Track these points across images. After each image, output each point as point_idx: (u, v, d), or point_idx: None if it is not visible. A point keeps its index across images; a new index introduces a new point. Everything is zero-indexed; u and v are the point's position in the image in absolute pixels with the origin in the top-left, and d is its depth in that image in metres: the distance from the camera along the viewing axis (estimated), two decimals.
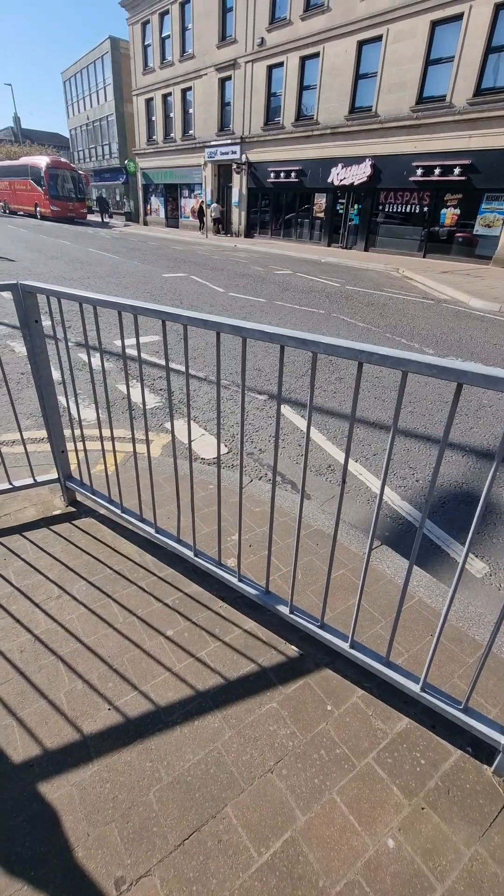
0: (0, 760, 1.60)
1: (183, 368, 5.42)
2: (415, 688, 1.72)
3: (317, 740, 1.69)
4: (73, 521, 2.75)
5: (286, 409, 4.39)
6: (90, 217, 37.42)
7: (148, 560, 2.47)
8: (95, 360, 5.63)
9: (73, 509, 2.85)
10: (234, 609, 2.10)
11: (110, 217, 35.32)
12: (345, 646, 1.85)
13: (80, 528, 2.71)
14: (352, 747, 1.68)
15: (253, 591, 2.02)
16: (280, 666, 1.90)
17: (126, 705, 1.80)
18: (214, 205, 25.87)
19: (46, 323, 6.68)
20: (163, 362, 5.55)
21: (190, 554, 2.24)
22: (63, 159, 34.21)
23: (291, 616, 1.94)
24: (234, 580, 2.05)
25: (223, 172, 26.66)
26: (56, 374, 5.03)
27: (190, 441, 2.03)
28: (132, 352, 5.95)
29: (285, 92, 20.82)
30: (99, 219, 37.16)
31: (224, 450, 3.63)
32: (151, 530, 2.39)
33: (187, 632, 2.01)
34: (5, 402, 4.57)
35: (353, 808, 1.53)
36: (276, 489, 2.22)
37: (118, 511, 2.53)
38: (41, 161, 31.39)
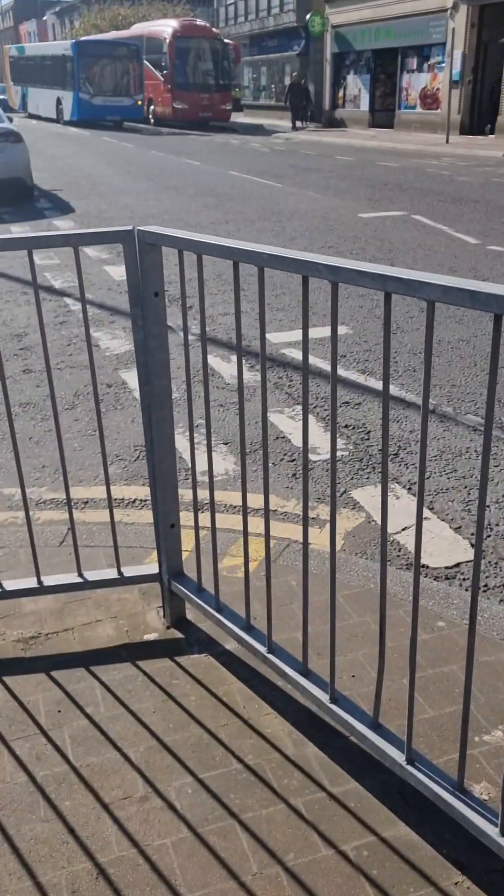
0: None
1: (393, 390, 5.34)
2: None
3: None
4: (178, 658, 2.62)
5: None
6: (237, 118, 38.68)
7: (310, 754, 2.25)
8: (228, 367, 5.78)
9: (178, 634, 2.70)
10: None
11: (307, 120, 35.29)
12: None
13: (188, 673, 2.56)
14: None
15: None
16: None
17: None
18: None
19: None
20: (358, 378, 5.56)
21: (398, 757, 1.97)
22: (200, 22, 36.95)
23: None
24: (497, 835, 1.71)
25: (489, 20, 25.97)
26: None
27: (419, 534, 1.75)
28: (297, 355, 6.01)
29: None
30: (250, 121, 38.23)
31: (470, 554, 3.38)
32: (322, 695, 2.18)
33: None
34: (82, 426, 4.87)
35: None
36: None
37: (262, 650, 2.34)
38: (163, 29, 34.26)
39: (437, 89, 28.50)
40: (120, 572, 2.74)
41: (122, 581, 2.74)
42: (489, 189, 14.77)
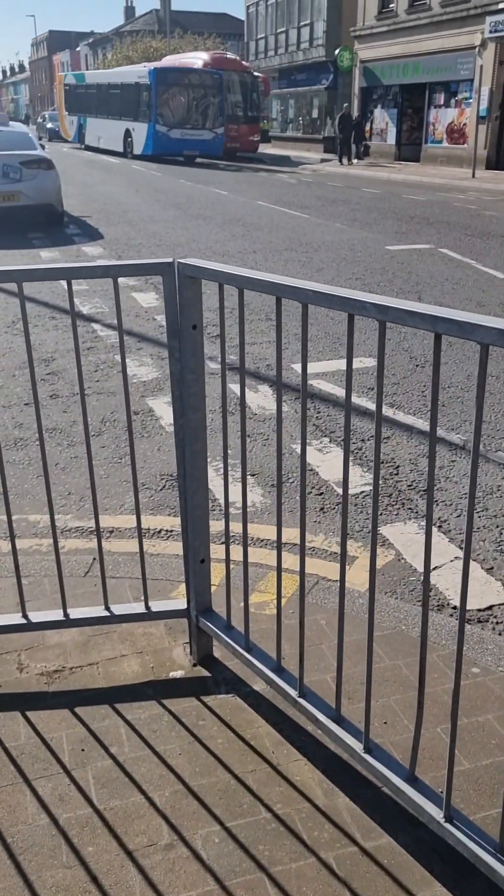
0: None
1: (422, 424, 5.28)
2: None
3: None
4: (204, 698, 2.55)
5: None
6: (265, 149, 37.64)
7: (341, 805, 2.17)
8: (255, 397, 5.75)
9: (205, 672, 2.63)
10: None
11: (362, 155, 32.82)
12: None
13: (215, 714, 2.49)
14: None
15: None
16: None
17: None
18: None
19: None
20: (386, 411, 5.49)
21: (436, 814, 1.89)
22: (230, 55, 37.25)
23: None
24: None
25: None
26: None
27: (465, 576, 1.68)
28: (325, 386, 5.97)
29: None
30: (277, 152, 36.77)
31: (503, 597, 3.31)
32: (356, 744, 2.10)
33: None
34: (109, 454, 4.83)
35: None
36: None
37: (293, 693, 2.27)
38: (193, 62, 33.69)
39: (465, 124, 28.69)
40: (147, 607, 2.68)
41: (149, 616, 2.68)
42: None
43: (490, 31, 25.93)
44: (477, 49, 24.59)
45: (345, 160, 31.09)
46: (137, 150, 32.72)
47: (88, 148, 38.83)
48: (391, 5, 31.79)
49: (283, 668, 2.39)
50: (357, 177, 26.95)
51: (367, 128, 33.19)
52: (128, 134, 33.63)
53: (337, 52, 35.18)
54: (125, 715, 2.47)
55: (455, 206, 17.88)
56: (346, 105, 33.40)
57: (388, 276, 9.75)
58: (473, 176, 24.45)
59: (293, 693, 2.29)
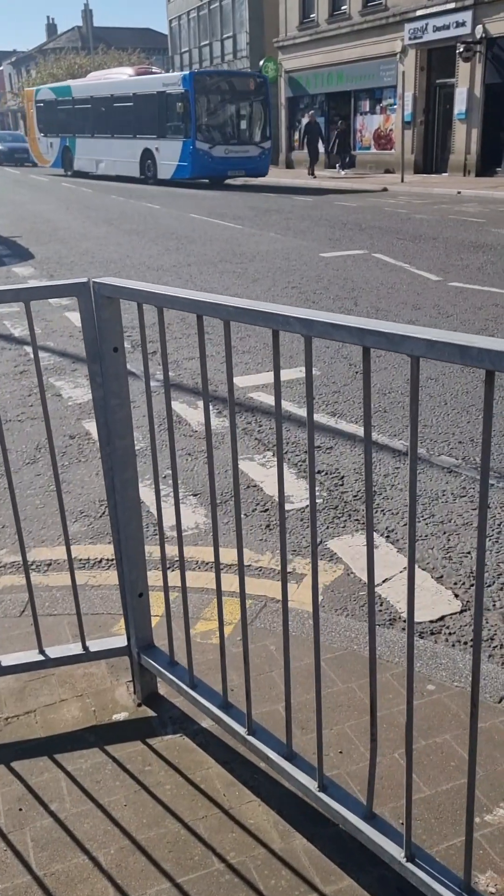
0: None
1: (383, 439, 5.21)
2: None
3: None
4: (150, 741, 2.40)
5: None
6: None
7: (298, 848, 2.03)
8: (194, 413, 5.62)
9: (150, 712, 2.48)
10: None
11: (346, 165, 29.73)
12: None
13: (162, 757, 2.34)
14: None
15: None
16: None
17: None
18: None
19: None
20: (328, 420, 5.42)
21: (397, 853, 1.77)
22: (155, 69, 36.29)
23: None
24: None
25: (436, 63, 26.37)
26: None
27: (412, 587, 1.58)
28: (265, 398, 5.87)
29: None
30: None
31: (454, 606, 3.23)
32: (310, 782, 1.97)
33: None
34: (45, 481, 4.59)
35: None
36: None
37: (241, 731, 2.13)
38: (117, 77, 30.96)
39: (391, 130, 29.09)
40: (85, 647, 2.53)
41: (87, 657, 2.53)
42: (446, 226, 14.94)
43: (410, 38, 26.44)
44: (398, 56, 24.98)
45: (320, 172, 29.41)
46: (165, 173, 27.35)
47: (78, 174, 33.80)
48: (312, 15, 32.17)
49: (230, 704, 2.26)
50: (288, 185, 27.07)
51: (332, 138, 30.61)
52: (147, 155, 28.24)
53: (261, 63, 35.48)
54: (66, 766, 2.31)
55: (386, 210, 18.05)
56: (310, 112, 31.74)
57: (323, 284, 9.72)
58: (402, 181, 24.75)
59: (242, 731, 2.16)
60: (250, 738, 2.13)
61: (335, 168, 30.54)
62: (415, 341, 1.37)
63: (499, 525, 3.85)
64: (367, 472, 1.60)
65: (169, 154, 26.76)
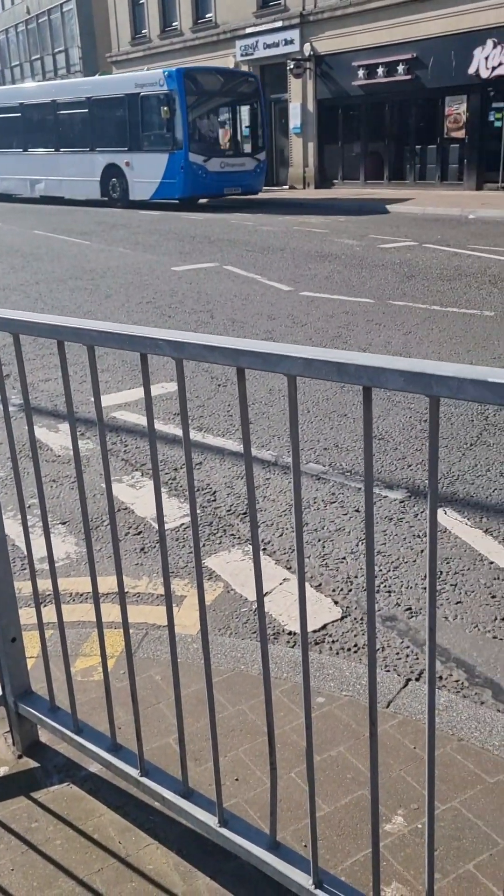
0: None
1: (233, 445, 5.18)
2: None
3: None
4: (35, 794, 2.24)
5: (454, 521, 4.03)
6: None
7: (202, 888, 1.94)
8: (58, 437, 5.42)
9: (32, 763, 2.32)
10: None
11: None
12: None
13: (49, 811, 2.18)
14: None
15: None
16: None
17: None
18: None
19: None
20: (195, 435, 5.35)
21: (305, 881, 1.73)
22: None
23: None
24: None
25: (270, 79, 27.12)
26: None
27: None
28: (129, 417, 5.74)
29: None
30: None
31: (335, 613, 3.23)
32: (209, 818, 1.89)
33: None
34: None
35: None
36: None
37: (133, 773, 2.02)
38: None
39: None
40: None
41: None
42: (292, 237, 15.29)
43: (241, 55, 26.97)
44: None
45: None
46: (141, 193, 22.55)
47: (4, 197, 28.04)
48: (143, 31, 32.23)
49: (119, 746, 2.15)
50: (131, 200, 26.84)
51: None
52: (112, 172, 23.31)
53: (97, 76, 35.08)
54: None
55: (232, 223, 18.26)
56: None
57: (178, 298, 9.68)
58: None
59: (134, 773, 2.06)
60: (144, 780, 2.03)
61: None
62: (292, 360, 1.33)
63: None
64: (249, 487, 1.55)
65: (147, 170, 22.05)
